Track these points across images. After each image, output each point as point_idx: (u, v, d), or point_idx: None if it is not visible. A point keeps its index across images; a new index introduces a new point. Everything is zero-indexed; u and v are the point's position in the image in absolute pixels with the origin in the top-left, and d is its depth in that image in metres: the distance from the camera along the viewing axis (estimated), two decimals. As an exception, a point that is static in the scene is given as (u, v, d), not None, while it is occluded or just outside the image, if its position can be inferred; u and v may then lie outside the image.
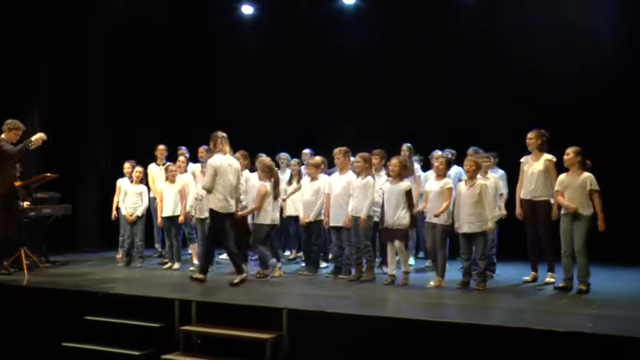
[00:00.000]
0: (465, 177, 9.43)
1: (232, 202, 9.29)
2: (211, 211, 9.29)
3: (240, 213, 9.71)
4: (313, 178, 10.13)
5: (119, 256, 11.29)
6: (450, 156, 10.08)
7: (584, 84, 11.36)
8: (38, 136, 9.97)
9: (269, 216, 9.71)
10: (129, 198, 11.08)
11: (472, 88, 12.10)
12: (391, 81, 12.75)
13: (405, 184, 9.19)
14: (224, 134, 9.36)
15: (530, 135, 9.32)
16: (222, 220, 9.25)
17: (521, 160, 9.44)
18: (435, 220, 9.04)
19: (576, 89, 11.38)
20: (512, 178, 10.34)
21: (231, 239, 9.37)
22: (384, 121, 12.55)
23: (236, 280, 9.12)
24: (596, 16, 11.54)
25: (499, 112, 11.78)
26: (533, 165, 9.26)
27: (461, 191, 8.95)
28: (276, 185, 9.79)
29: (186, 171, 10.97)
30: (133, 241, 11.01)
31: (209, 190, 9.18)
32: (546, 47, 11.66)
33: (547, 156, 9.22)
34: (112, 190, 11.48)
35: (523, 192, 9.36)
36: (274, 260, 9.88)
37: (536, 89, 11.59)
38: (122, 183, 11.24)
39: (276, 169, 10.00)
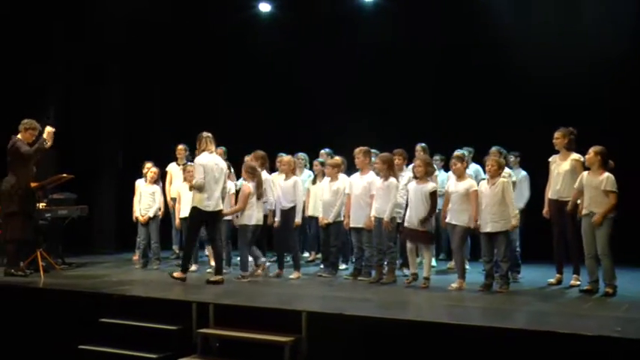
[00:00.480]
0: (482, 175, 9.51)
1: (218, 201, 9.38)
2: (192, 208, 9.38)
3: (223, 212, 9.71)
4: (333, 179, 10.00)
5: (136, 257, 11.23)
6: (466, 153, 9.97)
7: (608, 83, 11.20)
8: (48, 132, 9.91)
9: (254, 216, 9.66)
10: (143, 199, 11.01)
11: (490, 87, 12.00)
12: (407, 80, 12.62)
13: (431, 184, 9.11)
14: (209, 134, 9.50)
15: (556, 134, 9.15)
16: (201, 218, 9.36)
17: (550, 159, 9.29)
18: (455, 221, 8.92)
19: (600, 88, 11.25)
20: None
21: (194, 240, 9.67)
22: (400, 120, 12.47)
23: (175, 274, 9.43)
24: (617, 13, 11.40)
25: (517, 112, 11.70)
26: (561, 165, 9.10)
27: (483, 191, 8.81)
28: (258, 186, 9.72)
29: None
30: (149, 243, 10.93)
31: (200, 188, 9.21)
32: (566, 46, 11.53)
33: (575, 155, 9.03)
34: (128, 191, 11.42)
35: (550, 192, 9.22)
36: (262, 259, 9.91)
37: (557, 89, 11.42)
38: (139, 183, 11.17)
39: (259, 170, 9.93)
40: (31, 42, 12.36)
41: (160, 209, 11.05)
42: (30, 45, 12.33)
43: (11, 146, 9.84)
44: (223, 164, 9.60)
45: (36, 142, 9.92)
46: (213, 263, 10.11)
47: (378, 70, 12.99)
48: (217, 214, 9.46)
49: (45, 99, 12.63)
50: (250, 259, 10.31)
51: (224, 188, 9.54)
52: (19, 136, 9.93)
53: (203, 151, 9.40)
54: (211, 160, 9.37)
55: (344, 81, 13.14)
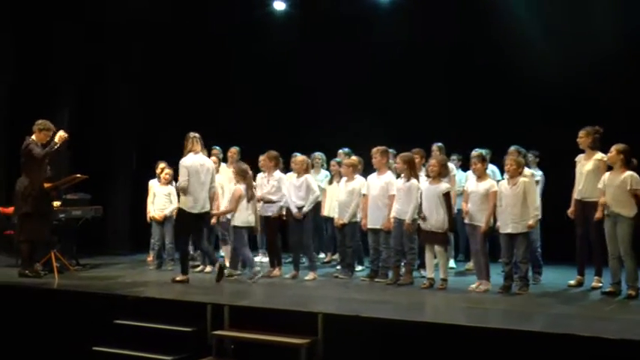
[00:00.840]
0: (498, 176, 9.47)
1: (205, 202, 9.35)
2: (179, 210, 9.45)
3: (213, 213, 9.73)
4: (349, 179, 9.89)
5: (150, 258, 11.18)
6: (484, 153, 9.87)
7: (626, 81, 11.05)
8: (59, 136, 9.85)
9: (246, 218, 9.67)
10: (157, 200, 10.97)
11: (506, 86, 11.88)
12: (423, 79, 12.47)
13: (444, 185, 9.00)
14: (196, 134, 9.45)
15: (580, 134, 9.02)
16: (188, 220, 9.34)
17: (576, 159, 9.16)
18: (476, 222, 8.81)
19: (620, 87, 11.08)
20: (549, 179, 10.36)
21: (186, 241, 9.67)
22: (416, 120, 12.36)
23: (178, 278, 9.36)
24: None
25: (534, 111, 11.61)
26: (585, 165, 8.97)
27: (503, 191, 8.69)
28: (249, 188, 9.69)
29: (218, 171, 10.80)
30: (163, 244, 10.87)
31: (184, 191, 9.19)
32: (583, 44, 11.38)
33: (598, 155, 8.88)
34: (142, 192, 11.39)
35: (575, 192, 9.09)
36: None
37: (576, 88, 11.30)
38: (153, 184, 11.12)
39: (250, 172, 9.93)
40: (45, 42, 12.35)
41: (175, 209, 10.98)
42: (44, 45, 12.32)
43: (24, 148, 9.80)
44: (210, 164, 9.54)
45: (50, 143, 9.90)
46: (228, 263, 10.08)
47: (392, 69, 12.85)
48: (204, 216, 9.44)
49: (58, 99, 12.60)
50: (265, 259, 10.28)
51: (211, 188, 9.49)
52: (33, 137, 9.89)
53: (189, 151, 9.34)
54: (196, 161, 9.30)
55: (357, 80, 13.03)
